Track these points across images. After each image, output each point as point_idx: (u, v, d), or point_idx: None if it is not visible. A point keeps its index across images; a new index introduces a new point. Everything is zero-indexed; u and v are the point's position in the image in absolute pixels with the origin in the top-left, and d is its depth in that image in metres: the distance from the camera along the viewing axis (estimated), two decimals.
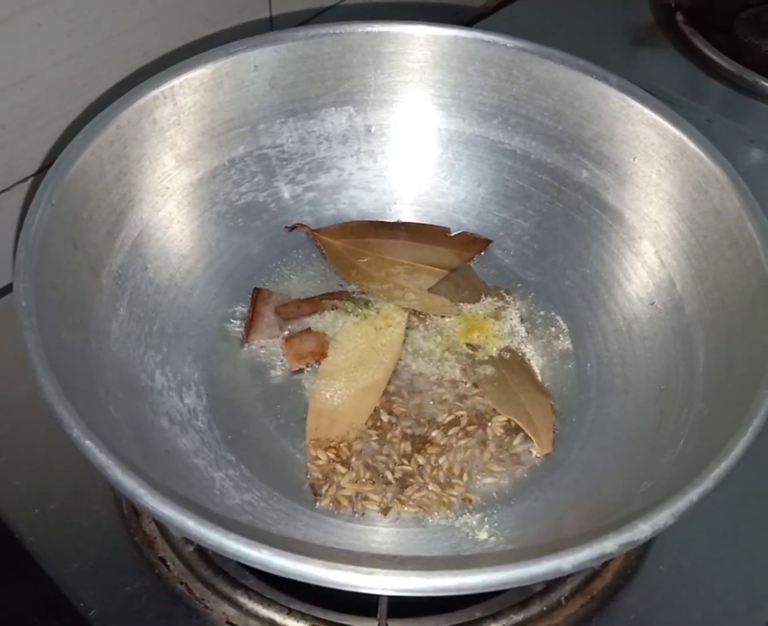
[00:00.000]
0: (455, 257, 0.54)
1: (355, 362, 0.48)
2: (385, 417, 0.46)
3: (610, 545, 0.32)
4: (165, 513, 0.32)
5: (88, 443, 0.34)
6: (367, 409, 0.46)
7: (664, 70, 0.71)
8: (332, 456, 0.45)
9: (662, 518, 0.33)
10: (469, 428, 0.46)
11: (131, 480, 0.33)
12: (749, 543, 0.45)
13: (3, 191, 0.53)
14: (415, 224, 0.55)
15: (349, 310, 0.51)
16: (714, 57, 0.70)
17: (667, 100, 0.50)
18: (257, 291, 0.51)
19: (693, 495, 0.34)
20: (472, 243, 0.54)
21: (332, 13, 0.67)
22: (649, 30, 0.74)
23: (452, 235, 0.55)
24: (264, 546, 0.31)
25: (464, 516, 0.43)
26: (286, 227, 0.54)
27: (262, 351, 0.49)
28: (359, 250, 0.53)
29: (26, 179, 0.54)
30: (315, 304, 0.51)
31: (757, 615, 0.42)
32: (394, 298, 0.51)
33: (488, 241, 0.54)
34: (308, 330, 0.50)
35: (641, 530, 0.33)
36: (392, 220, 0.55)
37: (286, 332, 0.50)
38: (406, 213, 0.55)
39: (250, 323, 0.50)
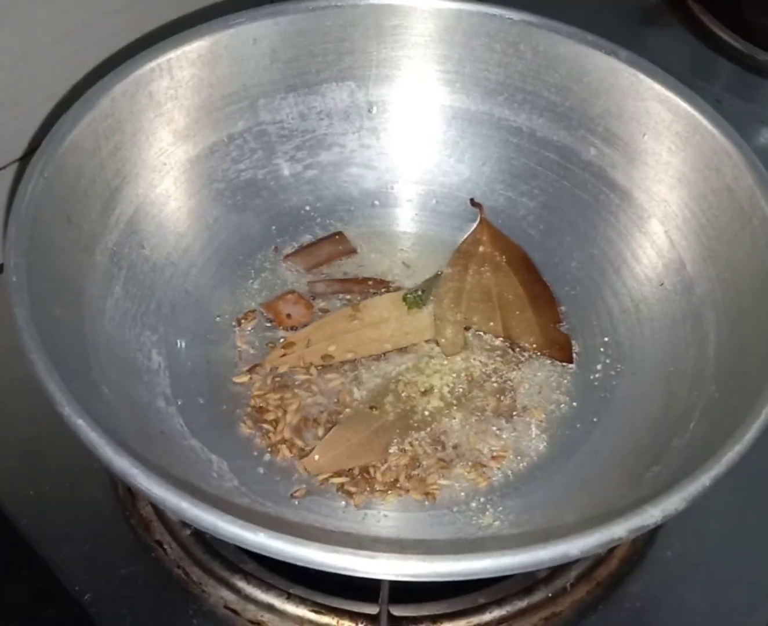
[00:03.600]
0: None
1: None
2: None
3: (619, 530, 0.32)
4: (158, 493, 0.32)
5: (79, 422, 0.33)
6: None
7: (674, 49, 0.70)
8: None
9: (673, 503, 0.33)
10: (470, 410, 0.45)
11: (123, 460, 0.32)
12: (757, 530, 0.44)
13: None
14: None
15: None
16: (724, 36, 0.69)
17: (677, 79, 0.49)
18: (339, 234, 0.52)
19: (705, 479, 0.33)
20: None
21: None
22: (658, 8, 0.73)
23: None
24: (261, 528, 0.31)
25: (468, 500, 0.42)
26: None
27: (259, 331, 0.48)
28: None
29: (21, 159, 0.53)
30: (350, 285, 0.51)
31: (763, 603, 0.42)
32: None
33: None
34: (305, 301, 0.49)
35: (651, 515, 0.32)
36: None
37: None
38: (408, 192, 0.54)
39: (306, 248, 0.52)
